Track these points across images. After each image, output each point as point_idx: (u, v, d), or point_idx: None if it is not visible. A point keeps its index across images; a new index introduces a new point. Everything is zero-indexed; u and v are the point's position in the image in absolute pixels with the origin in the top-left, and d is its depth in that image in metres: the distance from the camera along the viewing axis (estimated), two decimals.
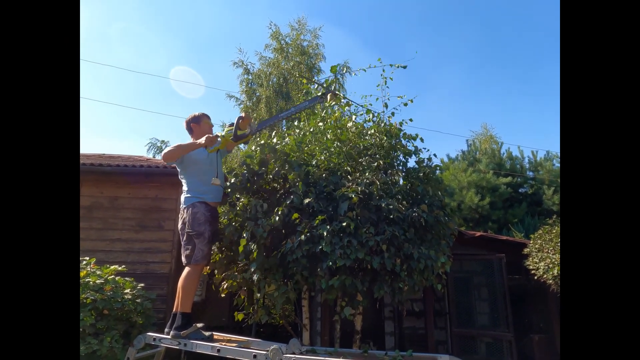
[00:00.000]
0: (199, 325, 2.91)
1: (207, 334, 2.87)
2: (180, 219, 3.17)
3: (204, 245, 3.00)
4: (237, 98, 16.23)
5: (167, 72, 43.60)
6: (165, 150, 3.05)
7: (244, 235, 3.10)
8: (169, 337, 2.86)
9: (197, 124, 3.30)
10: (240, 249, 3.10)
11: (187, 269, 3.02)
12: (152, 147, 16.72)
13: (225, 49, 39.73)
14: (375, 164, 3.61)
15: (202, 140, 2.98)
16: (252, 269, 3.04)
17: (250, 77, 16.07)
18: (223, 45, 38.33)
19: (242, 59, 16.15)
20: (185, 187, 3.17)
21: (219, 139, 3.16)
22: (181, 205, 3.16)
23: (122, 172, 5.36)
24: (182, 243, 3.12)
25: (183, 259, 3.09)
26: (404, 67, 3.82)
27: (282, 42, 16.15)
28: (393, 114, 3.99)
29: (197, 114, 3.34)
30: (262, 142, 3.61)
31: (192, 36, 38.08)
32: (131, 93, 38.40)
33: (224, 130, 3.26)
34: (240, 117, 3.10)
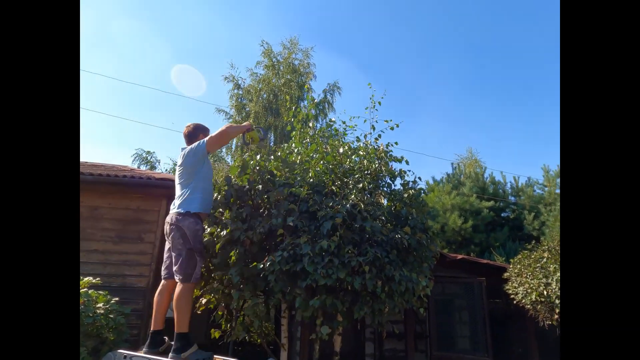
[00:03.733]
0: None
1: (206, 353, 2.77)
2: (168, 224, 2.90)
3: (202, 262, 2.97)
4: (226, 112, 16.27)
5: (155, 83, 43.47)
6: (218, 134, 3.04)
7: (222, 233, 3.10)
8: (142, 355, 2.75)
9: (205, 135, 3.20)
10: (218, 247, 3.09)
11: (183, 287, 2.80)
12: (137, 157, 16.51)
13: (215, 63, 39.96)
14: (361, 185, 3.64)
15: (247, 123, 3.25)
16: (231, 273, 2.97)
17: (240, 92, 16.18)
18: (213, 59, 38.56)
19: (233, 74, 16.29)
20: (189, 190, 2.93)
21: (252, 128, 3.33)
22: (177, 209, 2.89)
23: (104, 182, 5.23)
24: (176, 257, 2.84)
25: (179, 276, 2.79)
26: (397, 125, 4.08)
27: (274, 59, 16.38)
28: (380, 136, 4.07)
29: (204, 125, 3.30)
30: (247, 157, 3.61)
31: (181, 48, 38.22)
32: (118, 103, 38.02)
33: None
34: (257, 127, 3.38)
